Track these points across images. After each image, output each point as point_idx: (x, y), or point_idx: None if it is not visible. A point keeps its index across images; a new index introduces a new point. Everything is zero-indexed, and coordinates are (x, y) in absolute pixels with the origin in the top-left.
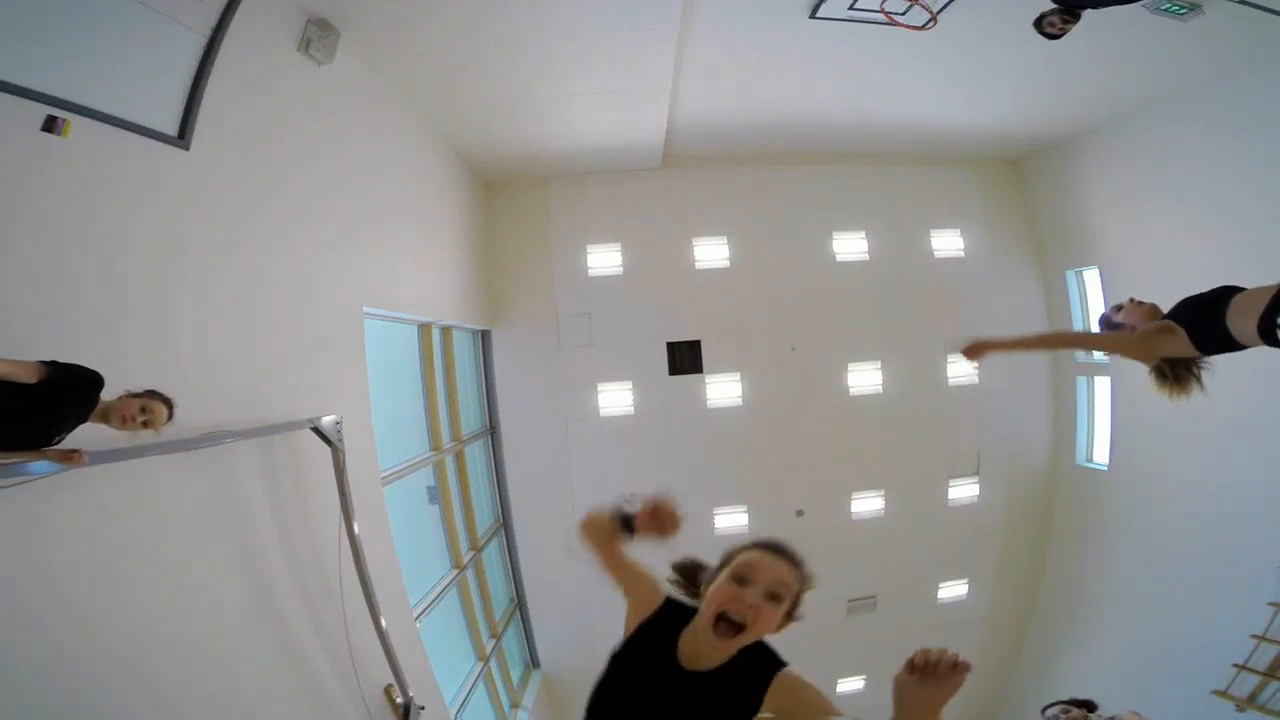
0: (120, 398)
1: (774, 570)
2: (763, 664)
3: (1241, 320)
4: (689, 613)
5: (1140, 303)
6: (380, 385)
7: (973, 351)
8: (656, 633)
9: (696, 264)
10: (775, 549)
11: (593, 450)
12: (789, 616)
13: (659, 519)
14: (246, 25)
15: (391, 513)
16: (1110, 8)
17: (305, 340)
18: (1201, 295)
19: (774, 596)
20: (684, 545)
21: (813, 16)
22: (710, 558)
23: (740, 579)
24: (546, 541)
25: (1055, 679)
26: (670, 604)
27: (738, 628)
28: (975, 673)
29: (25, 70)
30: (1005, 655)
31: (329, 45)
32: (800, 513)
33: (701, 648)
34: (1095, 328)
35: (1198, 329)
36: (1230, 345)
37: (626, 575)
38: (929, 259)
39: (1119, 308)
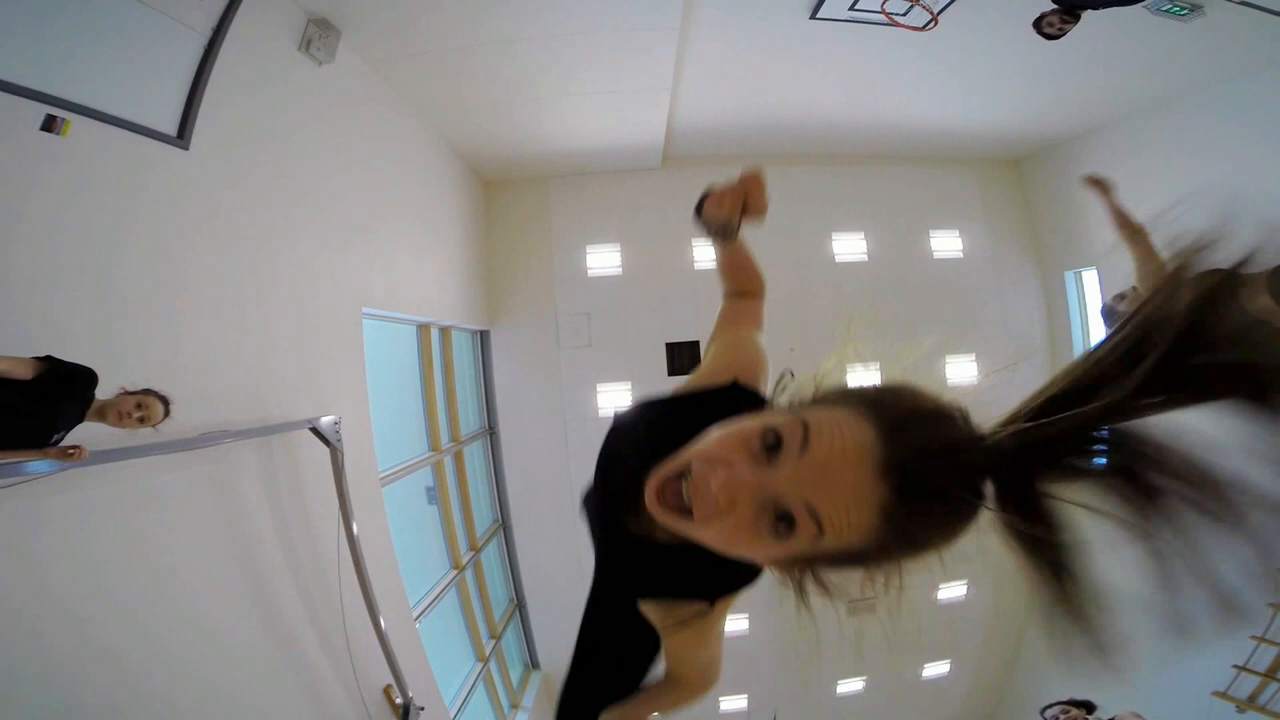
0: (116, 395)
1: (842, 471)
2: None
3: (1251, 289)
4: (750, 404)
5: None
6: (379, 386)
7: (1098, 185)
8: (691, 412)
9: (696, 264)
10: (890, 428)
11: (592, 451)
12: (801, 572)
13: (733, 197)
14: (247, 25)
15: (390, 513)
16: (1110, 8)
17: (304, 340)
18: None
19: (785, 519)
20: None
21: (813, 17)
22: None
23: (766, 437)
24: (546, 542)
25: (1055, 679)
26: (739, 390)
27: (683, 511)
28: (976, 673)
29: (25, 70)
30: (1005, 655)
31: (330, 45)
32: None
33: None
34: (1098, 320)
35: None
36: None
37: (728, 310)
38: (928, 260)
39: (1122, 296)
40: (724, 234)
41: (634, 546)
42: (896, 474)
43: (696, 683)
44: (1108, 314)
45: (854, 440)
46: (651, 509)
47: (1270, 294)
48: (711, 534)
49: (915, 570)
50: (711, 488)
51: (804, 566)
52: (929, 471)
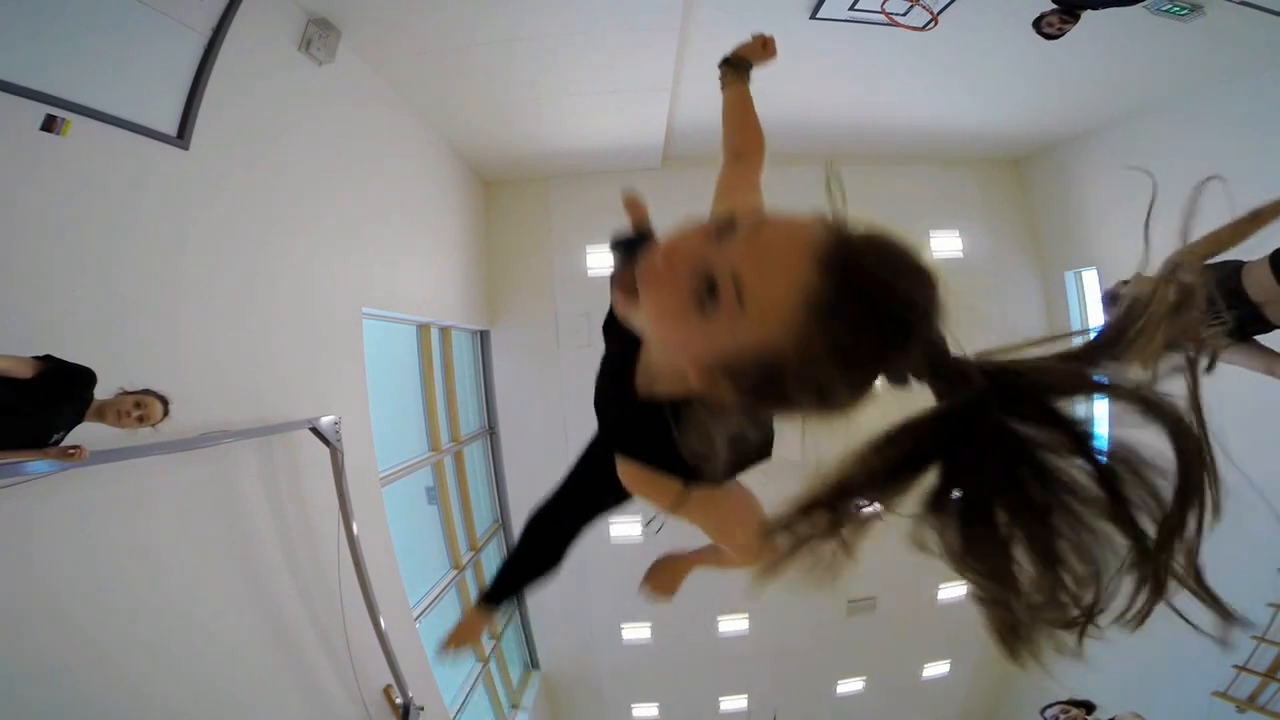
0: (116, 395)
1: (780, 248)
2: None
3: (1256, 270)
4: None
5: (1146, 279)
6: (379, 386)
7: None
8: None
9: None
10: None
11: None
12: (747, 395)
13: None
14: (246, 25)
15: (390, 513)
16: (1110, 8)
17: (304, 340)
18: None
19: (712, 289)
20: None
21: (813, 17)
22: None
23: (723, 220)
24: None
25: (1055, 679)
26: None
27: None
28: (976, 672)
29: (25, 70)
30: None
31: (329, 45)
32: None
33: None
34: (1098, 318)
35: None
36: (1242, 307)
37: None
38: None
39: (1125, 283)
40: (739, 64)
41: (631, 404)
42: (835, 269)
43: (732, 556)
44: (1109, 299)
45: (804, 230)
46: (617, 307)
47: (1274, 273)
48: (649, 308)
49: (832, 437)
50: (657, 257)
51: (725, 389)
52: (869, 277)
